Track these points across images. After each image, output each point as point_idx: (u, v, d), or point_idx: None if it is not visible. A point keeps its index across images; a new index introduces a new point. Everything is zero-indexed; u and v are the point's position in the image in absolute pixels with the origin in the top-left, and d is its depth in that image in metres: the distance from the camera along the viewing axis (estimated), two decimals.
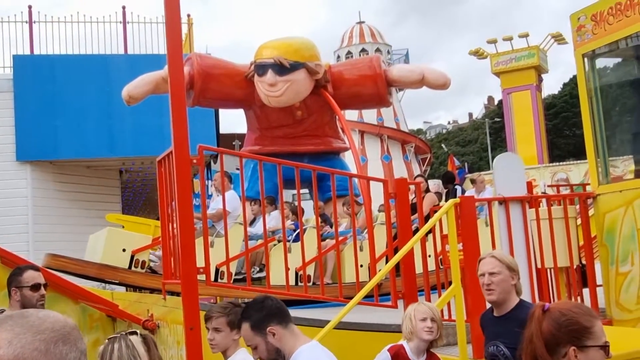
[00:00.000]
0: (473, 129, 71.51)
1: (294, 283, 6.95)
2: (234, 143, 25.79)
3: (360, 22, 39.07)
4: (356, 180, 8.45)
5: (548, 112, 49.33)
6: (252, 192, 8.12)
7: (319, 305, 6.30)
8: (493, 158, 5.97)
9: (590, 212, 6.09)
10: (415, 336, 3.81)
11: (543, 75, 41.34)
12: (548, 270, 5.65)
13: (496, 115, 53.97)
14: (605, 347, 2.02)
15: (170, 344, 5.93)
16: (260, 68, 8.70)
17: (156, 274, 7.37)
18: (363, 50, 36.72)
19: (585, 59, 5.75)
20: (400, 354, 3.80)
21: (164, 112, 4.72)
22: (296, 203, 7.43)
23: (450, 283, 4.83)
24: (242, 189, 6.09)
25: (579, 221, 5.97)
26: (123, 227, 8.30)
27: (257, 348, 2.77)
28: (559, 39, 39.67)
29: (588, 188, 6.20)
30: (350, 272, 6.71)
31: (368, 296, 5.13)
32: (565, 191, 9.14)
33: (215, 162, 13.37)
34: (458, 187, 10.68)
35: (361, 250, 7.22)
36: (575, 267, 5.67)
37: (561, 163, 35.06)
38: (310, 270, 7.18)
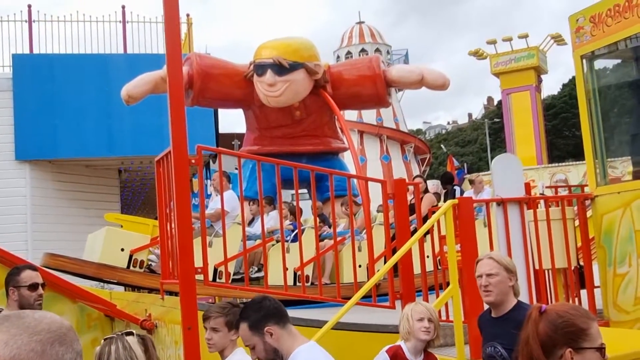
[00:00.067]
0: (472, 130, 71.56)
1: (292, 283, 6.95)
2: (233, 143, 25.80)
3: (360, 22, 39.09)
4: (355, 180, 8.45)
5: (547, 113, 49.36)
6: (251, 192, 8.12)
7: (317, 305, 6.30)
8: (492, 158, 5.98)
9: (589, 213, 6.09)
10: (413, 336, 3.82)
11: (542, 76, 41.39)
12: (546, 272, 5.65)
13: (495, 116, 54.01)
14: (601, 349, 2.02)
15: (168, 344, 5.93)
16: (260, 68, 8.70)
17: (154, 273, 7.37)
18: (363, 50, 36.73)
19: (584, 61, 5.75)
20: (398, 354, 3.81)
21: (163, 112, 4.72)
22: (295, 203, 7.44)
23: (448, 284, 4.83)
24: (241, 188, 6.09)
25: (577, 222, 5.98)
26: (122, 226, 8.30)
27: (255, 348, 2.78)
28: (558, 39, 39.71)
29: (586, 189, 6.20)
30: (349, 273, 6.72)
31: (366, 296, 5.13)
32: (563, 192, 9.15)
33: (214, 162, 13.37)
34: (457, 188, 10.68)
35: (359, 250, 7.23)
36: (573, 268, 5.67)
37: (560, 164, 35.10)
38: (308, 270, 7.18)
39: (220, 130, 16.80)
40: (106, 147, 13.28)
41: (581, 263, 5.95)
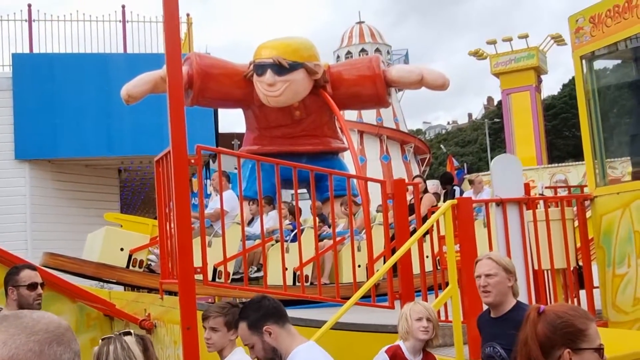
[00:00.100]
0: (472, 130, 71.57)
1: (291, 283, 6.95)
2: (232, 142, 25.81)
3: (360, 22, 39.09)
4: (355, 180, 8.46)
5: (547, 113, 49.37)
6: (251, 192, 8.13)
7: (316, 305, 6.30)
8: (492, 159, 5.98)
9: (588, 214, 6.09)
10: (411, 336, 3.82)
11: (542, 76, 41.39)
12: (545, 272, 5.66)
13: (496, 116, 54.01)
14: (599, 350, 2.02)
15: (167, 344, 5.93)
16: (259, 68, 8.71)
17: (154, 273, 7.37)
18: (363, 50, 36.73)
19: (583, 61, 5.76)
20: (397, 354, 3.81)
21: (163, 112, 4.72)
22: (295, 203, 7.44)
23: (447, 284, 4.83)
24: (240, 188, 6.09)
25: (576, 223, 5.98)
26: (121, 226, 8.29)
27: (254, 347, 2.79)
28: (558, 40, 39.72)
29: (586, 190, 6.21)
30: (348, 273, 6.72)
31: (365, 297, 5.14)
32: (562, 193, 9.15)
33: (214, 162, 13.37)
34: (456, 188, 10.69)
35: (359, 250, 7.23)
36: (572, 268, 5.68)
37: (560, 164, 35.10)
38: (308, 270, 7.19)
39: (220, 130, 16.80)
40: (106, 146, 13.28)
41: (580, 263, 5.95)
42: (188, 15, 14.87)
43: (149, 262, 7.63)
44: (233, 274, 7.31)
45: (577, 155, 34.49)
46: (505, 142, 40.78)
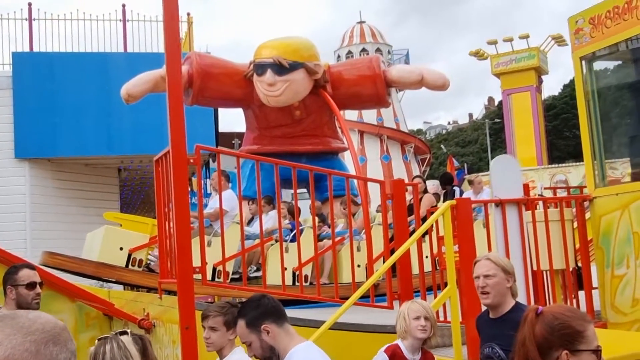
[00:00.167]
0: (473, 130, 71.56)
1: (291, 283, 6.95)
2: (233, 142, 25.81)
3: (361, 22, 39.07)
4: (355, 180, 8.46)
5: (548, 114, 49.37)
6: (251, 192, 8.13)
7: (315, 305, 6.30)
8: (493, 159, 5.98)
9: (587, 214, 6.09)
10: (410, 335, 3.82)
11: (543, 77, 41.39)
12: (544, 273, 5.66)
13: (496, 116, 54.00)
14: (597, 352, 2.02)
15: (165, 343, 5.93)
16: (260, 67, 8.71)
17: (153, 272, 7.37)
18: (363, 50, 36.72)
19: (583, 62, 5.76)
20: (396, 353, 3.82)
21: (163, 111, 4.72)
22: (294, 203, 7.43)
23: (446, 284, 4.83)
24: (239, 188, 6.09)
25: (576, 224, 5.98)
26: (121, 225, 8.29)
27: (251, 345, 2.79)
28: (559, 40, 39.71)
29: (585, 191, 6.21)
30: (348, 273, 6.72)
31: (364, 297, 5.14)
32: (562, 194, 9.14)
33: (214, 161, 13.37)
34: (456, 188, 10.69)
35: (358, 250, 7.23)
36: (571, 269, 5.68)
37: (560, 165, 35.09)
38: (308, 270, 7.19)
39: (221, 130, 16.80)
40: (106, 145, 13.28)
41: (579, 264, 5.95)
42: (188, 14, 14.87)
43: (149, 262, 7.63)
44: (233, 274, 7.31)
45: (578, 156, 34.47)
46: (506, 143, 40.78)
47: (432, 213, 5.52)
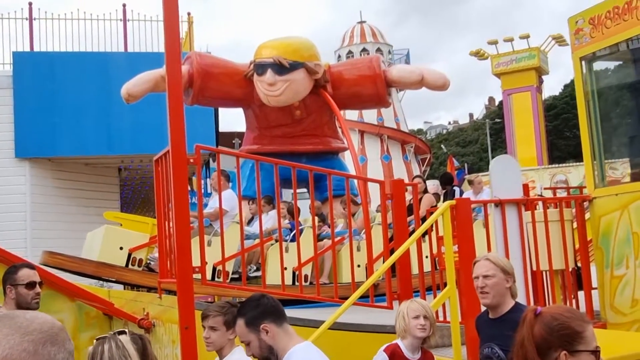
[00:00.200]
0: (473, 130, 71.54)
1: (291, 283, 6.95)
2: (233, 142, 25.81)
3: (362, 22, 39.07)
4: (355, 180, 8.46)
5: (548, 114, 49.35)
6: (251, 192, 8.13)
7: (314, 305, 6.31)
8: (493, 159, 5.98)
9: (587, 215, 6.09)
10: (409, 334, 3.83)
11: (544, 77, 41.37)
12: (543, 273, 5.66)
13: (497, 116, 53.99)
14: (596, 352, 2.02)
15: (165, 343, 5.93)
16: (260, 67, 8.72)
17: (153, 272, 7.37)
18: (364, 50, 36.72)
19: (583, 62, 5.76)
20: (396, 352, 3.82)
21: (163, 110, 4.72)
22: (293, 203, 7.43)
23: (445, 284, 4.83)
24: (239, 188, 6.10)
25: (575, 224, 5.98)
26: (121, 225, 8.29)
27: (250, 344, 2.79)
28: (559, 40, 39.69)
29: (585, 191, 6.21)
30: (348, 273, 6.72)
31: (363, 297, 5.14)
32: (562, 194, 9.15)
33: (214, 161, 13.37)
34: (456, 189, 10.68)
35: (358, 250, 7.23)
36: (570, 269, 5.68)
37: (560, 165, 35.08)
38: (308, 270, 7.19)
39: (221, 129, 16.80)
40: (106, 145, 13.28)
41: (579, 265, 5.95)
42: (189, 14, 14.87)
43: (149, 261, 7.63)
44: (233, 273, 7.32)
45: (578, 156, 34.40)
46: (506, 143, 40.78)
47: (431, 213, 5.51)
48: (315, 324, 4.75)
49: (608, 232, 5.52)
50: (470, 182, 10.76)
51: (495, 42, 40.30)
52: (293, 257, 6.53)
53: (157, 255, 6.91)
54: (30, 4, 13.63)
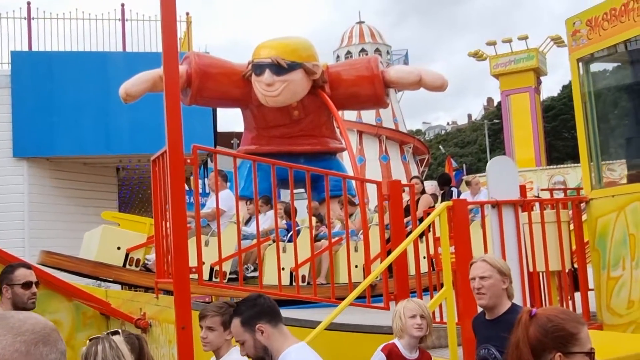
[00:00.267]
0: (472, 130, 71.58)
1: (288, 283, 6.95)
2: (232, 142, 25.80)
3: (360, 22, 39.10)
4: (353, 180, 8.47)
5: (547, 115, 49.38)
6: (249, 192, 8.13)
7: (311, 305, 6.31)
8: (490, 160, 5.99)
9: (584, 216, 6.10)
10: (406, 333, 3.84)
11: (542, 78, 41.40)
12: (540, 274, 5.66)
13: (495, 117, 54.01)
14: (590, 354, 2.02)
15: (162, 343, 5.92)
16: (258, 68, 8.72)
17: (150, 272, 7.37)
18: (363, 50, 36.75)
19: (580, 64, 5.77)
20: (393, 352, 3.83)
21: (161, 110, 4.73)
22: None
23: (442, 285, 4.84)
24: (236, 188, 6.10)
25: (572, 225, 5.98)
26: (119, 224, 8.29)
27: (245, 344, 2.79)
28: (558, 41, 39.72)
29: (582, 192, 6.21)
30: (345, 273, 6.72)
31: (360, 297, 5.14)
32: (560, 195, 9.15)
33: (212, 161, 13.38)
34: (454, 189, 10.68)
35: (356, 251, 7.23)
36: (567, 271, 5.68)
37: (558, 166, 35.09)
38: (306, 270, 7.19)
39: (220, 129, 16.80)
40: (104, 145, 13.28)
41: (575, 266, 5.95)
42: (187, 14, 14.86)
43: (146, 261, 7.63)
44: (230, 273, 7.32)
45: (576, 157, 34.20)
46: (505, 143, 40.80)
47: (428, 214, 5.51)
48: (312, 325, 4.75)
49: (604, 234, 5.53)
50: (468, 183, 10.75)
51: (493, 43, 40.33)
52: (291, 258, 6.53)
53: (154, 256, 6.91)
54: (28, 3, 13.62)
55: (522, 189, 5.69)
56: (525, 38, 39.35)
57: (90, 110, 13.05)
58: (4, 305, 3.83)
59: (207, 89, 8.83)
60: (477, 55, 41.14)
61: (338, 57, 37.25)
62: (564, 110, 51.88)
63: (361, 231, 7.13)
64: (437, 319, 5.09)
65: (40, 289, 4.13)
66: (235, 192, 6.17)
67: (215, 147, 12.39)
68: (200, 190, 15.42)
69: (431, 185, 14.58)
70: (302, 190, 8.31)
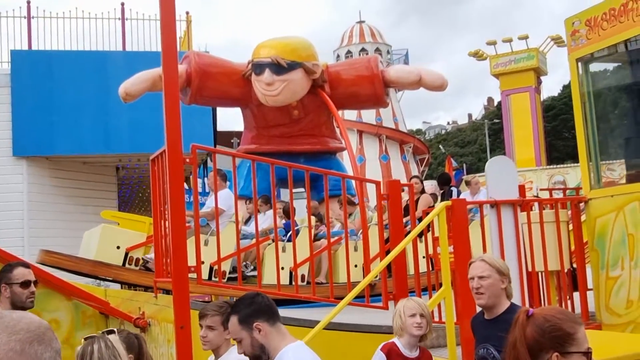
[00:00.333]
0: (472, 130, 71.58)
1: (287, 282, 6.95)
2: (232, 141, 25.79)
3: (361, 22, 39.07)
4: (352, 180, 8.47)
5: (547, 114, 49.37)
6: (248, 191, 8.14)
7: (310, 305, 6.31)
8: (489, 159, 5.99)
9: (583, 216, 6.10)
10: (405, 332, 3.85)
11: (542, 78, 41.39)
12: (539, 274, 5.66)
13: (495, 117, 54.01)
14: (587, 354, 2.02)
15: (160, 342, 5.92)
16: (258, 67, 8.72)
17: (150, 271, 7.37)
18: (363, 49, 36.72)
19: (579, 64, 5.77)
20: (393, 350, 3.84)
21: (161, 109, 4.73)
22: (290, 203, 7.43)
23: (441, 285, 4.84)
24: (235, 187, 6.10)
25: (571, 225, 5.98)
26: (118, 224, 8.29)
27: (242, 342, 2.79)
28: (558, 41, 39.70)
29: (581, 192, 6.22)
30: (344, 272, 6.72)
31: (359, 297, 5.14)
32: (559, 194, 9.15)
33: (211, 160, 13.39)
34: (454, 189, 10.68)
35: (356, 250, 7.23)
36: (566, 271, 5.68)
37: (558, 165, 35.10)
38: (305, 269, 7.19)
39: (219, 128, 16.79)
40: (103, 144, 13.28)
41: (574, 266, 5.95)
42: (187, 13, 14.86)
43: (145, 260, 7.63)
44: (230, 273, 7.32)
45: (576, 157, 34.13)
46: (505, 143, 40.80)
47: (427, 214, 5.51)
48: (310, 324, 4.75)
49: (603, 234, 5.53)
50: (468, 183, 10.75)
51: (494, 43, 40.32)
52: (290, 257, 6.53)
53: (152, 255, 6.92)
54: (28, 2, 13.62)
55: (521, 188, 5.69)
56: (526, 38, 39.34)
57: (90, 109, 13.05)
58: (3, 304, 3.83)
59: (206, 88, 8.84)
60: (478, 55, 41.13)
61: (338, 56, 37.24)
62: (564, 110, 51.86)
63: (360, 231, 7.13)
64: (436, 319, 5.09)
65: (40, 288, 4.13)
66: (235, 191, 6.17)
67: (215, 146, 12.40)
68: (200, 190, 15.43)
69: (431, 185, 14.58)
70: (302, 189, 8.32)
